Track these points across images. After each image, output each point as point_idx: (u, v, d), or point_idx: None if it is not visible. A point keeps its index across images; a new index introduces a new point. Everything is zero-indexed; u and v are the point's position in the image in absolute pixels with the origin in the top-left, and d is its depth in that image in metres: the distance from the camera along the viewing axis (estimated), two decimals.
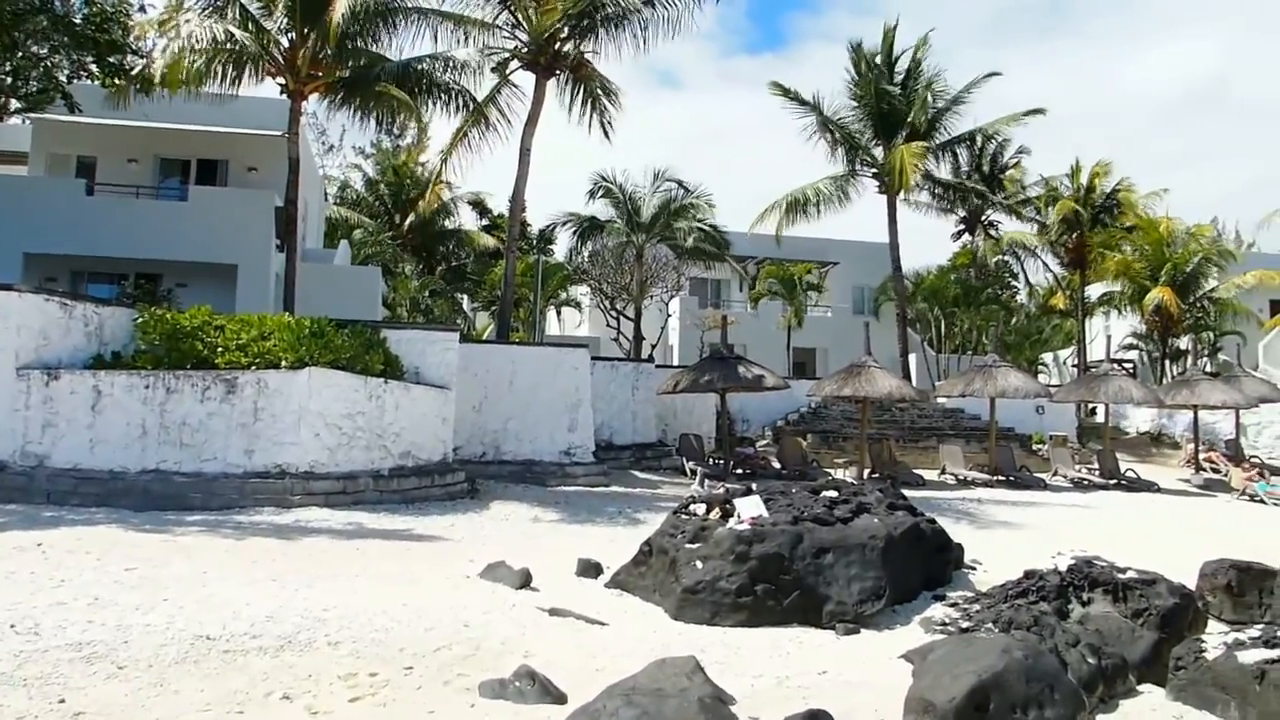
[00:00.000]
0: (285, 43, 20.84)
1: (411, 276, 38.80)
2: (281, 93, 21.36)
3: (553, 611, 8.42)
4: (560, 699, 6.27)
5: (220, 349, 14.96)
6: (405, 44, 22.37)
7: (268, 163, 25.39)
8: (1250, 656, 7.14)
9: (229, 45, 19.53)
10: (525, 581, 9.49)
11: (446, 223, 42.51)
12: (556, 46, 22.74)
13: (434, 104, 22.84)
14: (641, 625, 8.42)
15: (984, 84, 33.75)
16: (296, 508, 13.78)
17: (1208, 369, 35.48)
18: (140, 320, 15.59)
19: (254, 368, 14.74)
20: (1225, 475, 26.08)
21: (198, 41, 18.66)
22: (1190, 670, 7.41)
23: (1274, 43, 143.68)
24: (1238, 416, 29.41)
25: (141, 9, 20.78)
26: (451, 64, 22.65)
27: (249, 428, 14.47)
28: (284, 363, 14.80)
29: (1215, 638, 7.88)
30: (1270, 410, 30.11)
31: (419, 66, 22.31)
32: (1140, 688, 7.59)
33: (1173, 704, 7.29)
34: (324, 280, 24.96)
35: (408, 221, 40.07)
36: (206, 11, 19.85)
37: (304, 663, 6.64)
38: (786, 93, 32.98)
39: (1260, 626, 8.04)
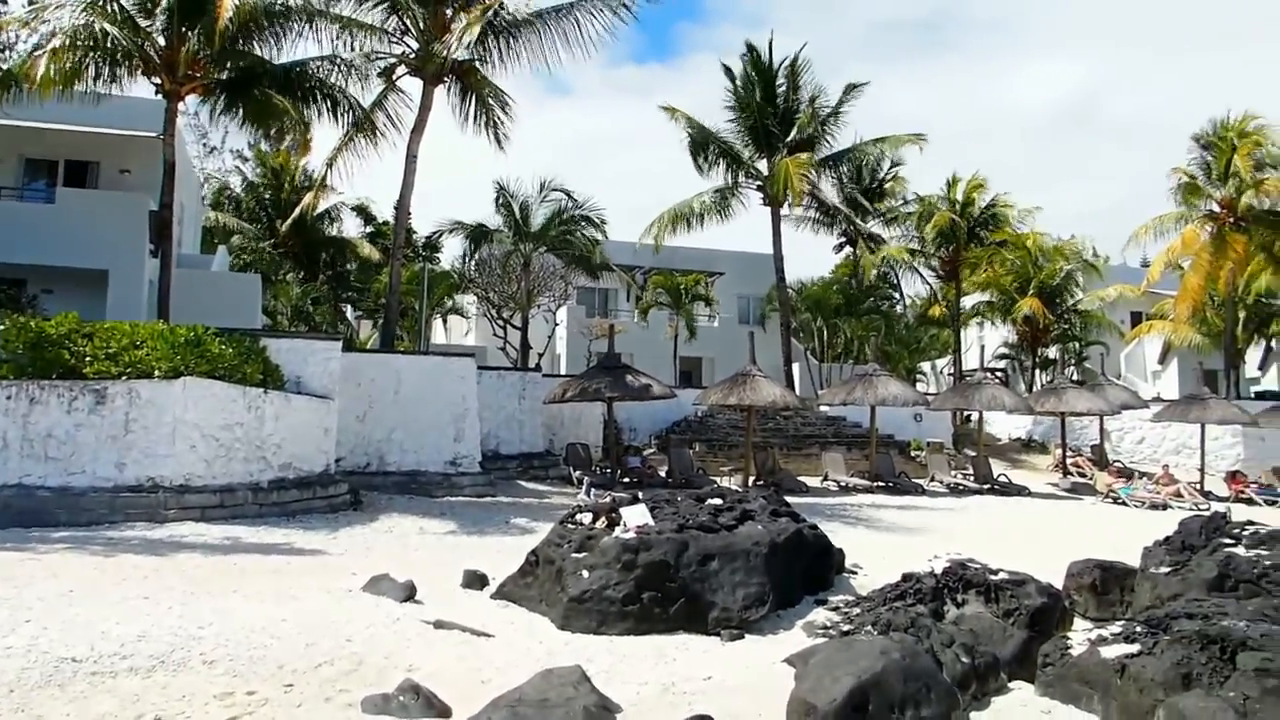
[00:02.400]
0: (162, 41, 20.17)
1: (293, 284, 37.92)
2: (157, 93, 20.65)
3: (438, 624, 8.33)
4: (445, 712, 6.21)
5: (89, 358, 14.38)
6: (290, 47, 21.86)
7: (142, 165, 24.48)
8: (1112, 651, 7.47)
9: (102, 42, 18.81)
10: (410, 594, 9.36)
11: (330, 229, 41.60)
12: (445, 55, 22.52)
13: (319, 109, 22.37)
14: (528, 636, 8.39)
15: (861, 98, 34.75)
16: (171, 522, 13.33)
17: (1074, 377, 37.04)
18: (1, 328, 14.88)
19: (125, 378, 14.21)
20: (1090, 479, 27.24)
21: (67, 38, 17.92)
22: (1057, 666, 7.72)
23: (1140, 65, 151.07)
24: (1102, 423, 30.78)
25: (4, 0, 19.89)
26: (338, 68, 22.23)
27: (120, 440, 13.95)
28: (157, 372, 14.31)
29: (1080, 634, 8.23)
30: (1132, 416, 31.57)
31: (303, 70, 21.83)
32: (1011, 685, 7.88)
33: (1041, 699, 7.59)
34: (201, 287, 24.17)
35: (289, 227, 39.09)
36: (78, 7, 19.06)
37: (177, 683, 6.44)
38: (673, 112, 33.61)
39: (1121, 623, 8.42)
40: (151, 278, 22.18)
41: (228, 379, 15.03)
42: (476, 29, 21.19)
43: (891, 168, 41.52)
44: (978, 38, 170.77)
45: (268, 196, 40.36)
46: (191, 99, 21.52)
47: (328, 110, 22.37)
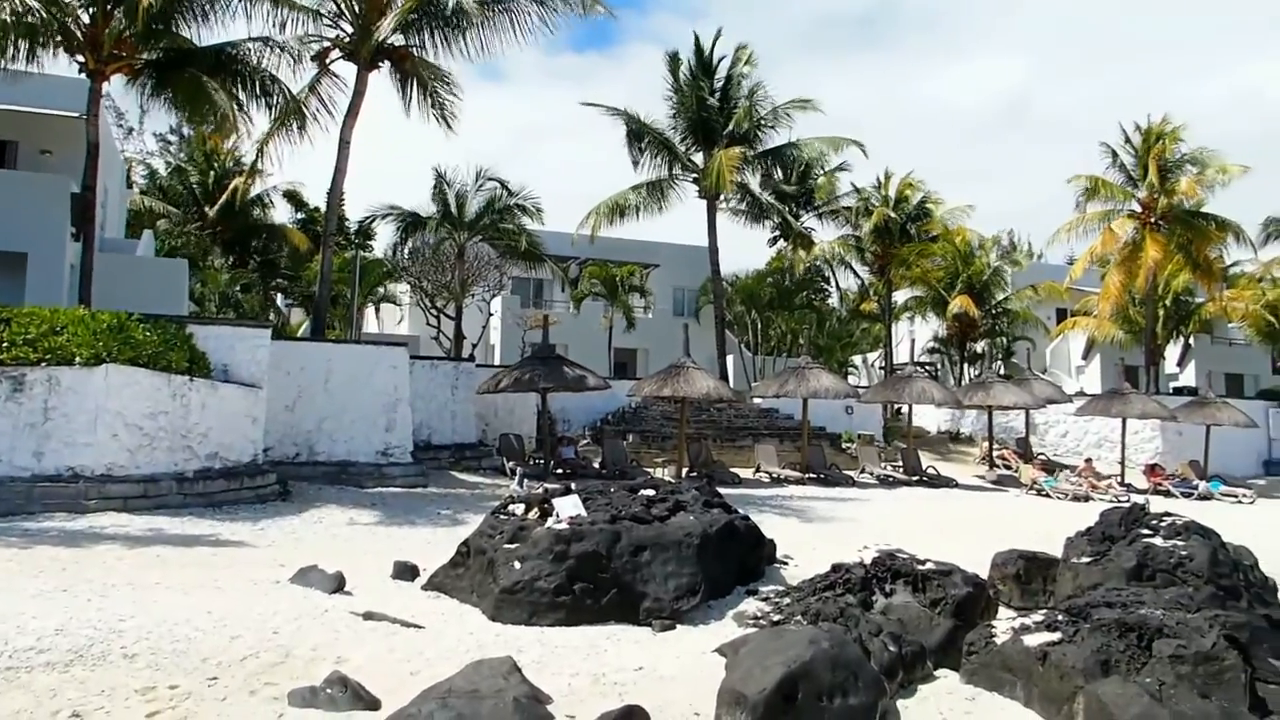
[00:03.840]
0: (86, 18, 19.58)
1: (221, 270, 37.13)
2: (81, 72, 20.04)
3: (367, 616, 8.25)
4: (373, 705, 6.16)
5: (6, 344, 13.94)
6: (220, 27, 21.34)
7: (64, 146, 23.73)
8: (1034, 640, 7.65)
9: (23, 17, 18.21)
10: (339, 586, 9.25)
11: (260, 215, 40.81)
12: (381, 39, 22.18)
13: (250, 92, 21.88)
14: (459, 627, 8.35)
15: (805, 106, 34.91)
16: (92, 513, 13.01)
17: (1001, 372, 37.73)
18: None
19: (45, 364, 13.83)
20: (1016, 471, 27.81)
21: None
22: (981, 654, 7.88)
23: (1071, 64, 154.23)
24: (1028, 416, 31.41)
25: None
26: (270, 51, 21.78)
27: (38, 428, 13.58)
28: (79, 359, 13.95)
29: (1004, 623, 8.42)
30: (1056, 410, 32.29)
31: (235, 52, 21.34)
32: (937, 672, 8.03)
33: (966, 686, 7.74)
34: (125, 272, 23.55)
35: (218, 212, 38.27)
36: None
37: (97, 677, 6.29)
38: (605, 108, 33.65)
39: (1043, 612, 8.62)
40: (73, 262, 21.57)
41: (152, 366, 14.70)
42: (410, 16, 20.90)
43: (830, 169, 41.73)
44: (914, 34, 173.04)
45: (196, 181, 39.45)
46: (117, 79, 20.92)
47: (259, 94, 21.91)
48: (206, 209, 38.09)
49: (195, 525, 13.08)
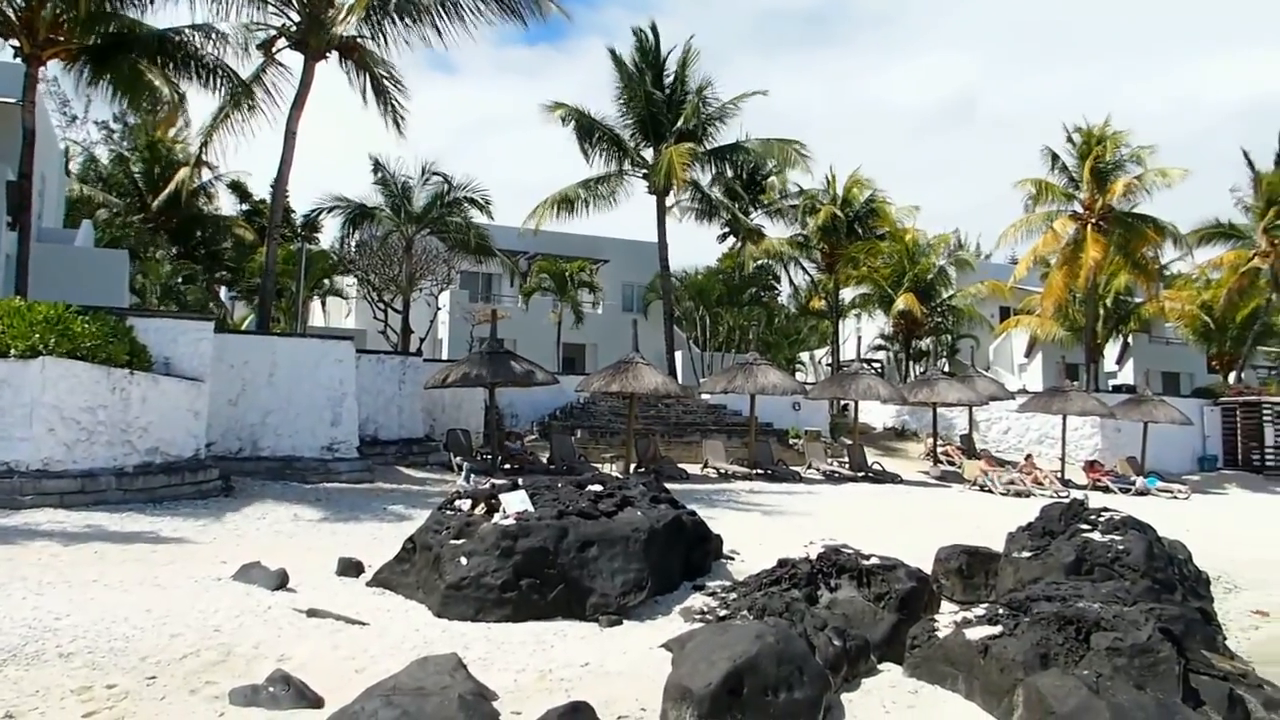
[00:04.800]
0: (21, 1, 19.10)
1: (164, 261, 36.43)
2: (16, 56, 19.57)
3: (311, 613, 8.16)
4: (317, 703, 6.10)
5: None
6: (163, 12, 20.98)
7: None
8: (976, 633, 7.76)
9: None
10: (282, 582, 9.14)
11: (204, 206, 40.11)
12: (330, 29, 21.90)
13: (194, 80, 21.50)
14: (404, 624, 8.29)
15: (752, 98, 35.15)
16: (27, 509, 12.71)
17: (945, 369, 38.24)
18: None
19: None
20: (959, 467, 28.19)
21: None
22: (924, 648, 7.98)
23: (1018, 63, 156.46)
24: (971, 413, 31.88)
25: None
26: (214, 38, 21.41)
27: None
28: (14, 351, 13.63)
29: (946, 617, 8.52)
30: (999, 407, 32.78)
31: (178, 39, 20.96)
32: (881, 666, 8.12)
33: (909, 680, 7.84)
34: (63, 263, 23.04)
35: (160, 203, 37.52)
36: None
37: (31, 677, 6.16)
38: (557, 107, 33.52)
39: (985, 606, 8.74)
40: (9, 252, 21.05)
41: (91, 359, 14.39)
42: (362, 8, 20.67)
43: (779, 168, 41.95)
44: (864, 32, 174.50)
45: (138, 170, 38.69)
46: (55, 64, 20.45)
47: (203, 82, 21.55)
48: (149, 199, 37.37)
49: (135, 521, 12.84)
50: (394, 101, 23.87)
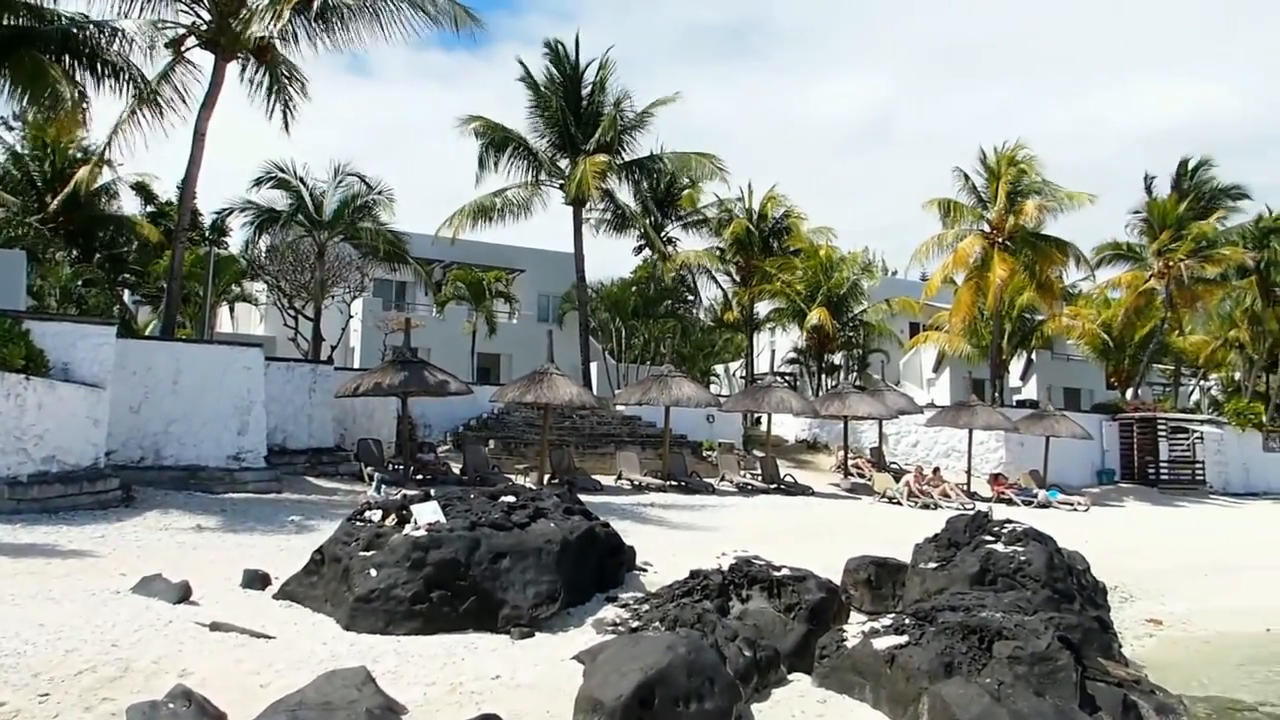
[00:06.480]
0: None
1: (64, 264, 35.23)
2: None
3: (214, 626, 7.96)
4: (219, 719, 5.95)
5: None
6: (65, 5, 20.30)
7: None
8: (883, 643, 7.91)
9: None
10: (184, 595, 8.91)
11: (107, 207, 38.88)
12: (244, 30, 21.45)
13: (98, 77, 20.88)
14: (311, 637, 8.14)
15: (668, 104, 35.31)
16: None
17: (856, 383, 38.87)
18: None
19: None
20: (869, 479, 28.65)
21: None
22: (833, 658, 8.11)
23: (931, 84, 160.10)
24: (881, 426, 32.46)
25: None
26: (121, 35, 20.82)
27: None
28: None
29: (855, 627, 8.67)
30: (908, 421, 33.42)
31: (82, 34, 20.34)
32: (791, 676, 8.22)
33: (818, 690, 7.95)
34: None
35: (60, 203, 36.26)
36: None
37: None
38: (473, 120, 33.36)
39: (892, 616, 8.91)
40: None
41: None
42: (286, 11, 20.29)
43: (695, 180, 42.24)
44: (782, 49, 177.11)
45: (36, 169, 37.37)
46: None
47: (108, 79, 20.95)
48: (48, 199, 36.10)
49: (29, 533, 12.39)
50: (288, 98, 23.57)
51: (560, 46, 35.14)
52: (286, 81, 23.39)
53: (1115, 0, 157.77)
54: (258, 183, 33.74)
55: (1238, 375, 52.65)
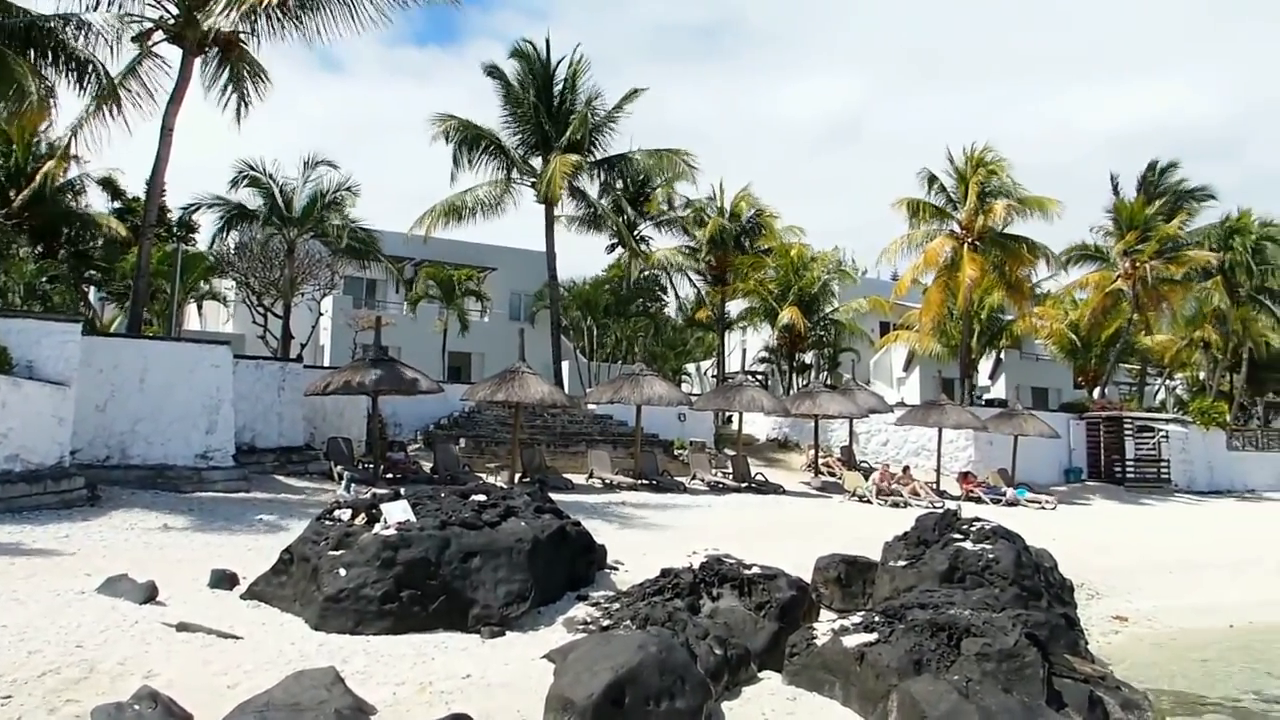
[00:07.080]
0: None
1: (28, 260, 34.76)
2: None
3: (181, 626, 7.89)
4: None
5: None
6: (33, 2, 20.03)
7: None
8: (853, 641, 7.95)
9: None
10: (151, 595, 8.82)
11: (73, 202, 38.41)
12: (210, 23, 21.22)
13: (62, 70, 20.61)
14: (280, 637, 8.08)
15: (638, 100, 35.30)
16: None
17: (827, 382, 39.03)
18: None
19: None
20: (840, 478, 28.77)
21: None
22: (803, 656, 8.14)
23: (902, 84, 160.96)
24: (851, 425, 32.59)
25: None
26: (87, 29, 20.57)
27: None
28: None
29: (825, 625, 8.71)
30: (878, 420, 33.57)
31: (45, 26, 20.08)
32: (761, 674, 8.24)
33: (788, 687, 7.98)
34: None
35: (24, 199, 35.76)
36: None
37: None
38: (448, 119, 33.20)
39: (861, 614, 8.96)
40: None
41: None
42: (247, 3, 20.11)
43: (668, 179, 42.25)
44: (754, 49, 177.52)
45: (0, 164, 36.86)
46: None
47: (74, 73, 20.68)
48: (11, 194, 35.62)
49: None
50: (245, 92, 23.42)
51: (530, 46, 35.01)
52: (246, 75, 23.19)
53: (1085, 3, 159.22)
54: (233, 183, 33.42)
55: (1202, 375, 53.28)
